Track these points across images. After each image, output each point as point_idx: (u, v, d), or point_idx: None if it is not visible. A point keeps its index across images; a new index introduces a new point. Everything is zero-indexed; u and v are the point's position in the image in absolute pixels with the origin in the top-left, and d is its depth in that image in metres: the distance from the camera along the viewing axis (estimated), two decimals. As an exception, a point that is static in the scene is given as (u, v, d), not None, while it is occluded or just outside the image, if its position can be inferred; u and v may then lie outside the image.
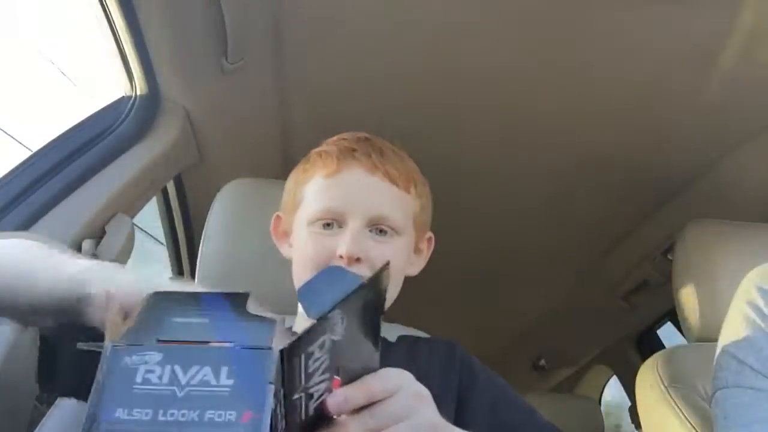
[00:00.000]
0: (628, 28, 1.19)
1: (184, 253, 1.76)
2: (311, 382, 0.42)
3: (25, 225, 1.02)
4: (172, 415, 0.34)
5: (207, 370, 0.35)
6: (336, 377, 0.46)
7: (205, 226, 1.13)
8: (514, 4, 1.16)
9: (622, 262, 2.13)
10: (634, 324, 2.42)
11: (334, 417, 0.47)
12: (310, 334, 0.40)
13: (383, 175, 0.88)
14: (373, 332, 0.49)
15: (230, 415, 0.34)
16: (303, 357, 0.40)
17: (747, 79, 1.32)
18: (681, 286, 1.32)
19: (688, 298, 1.29)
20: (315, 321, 0.40)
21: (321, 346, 0.41)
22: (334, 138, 0.95)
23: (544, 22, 1.20)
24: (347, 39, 1.29)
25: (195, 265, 1.13)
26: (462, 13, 1.19)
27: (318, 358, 0.41)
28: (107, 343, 0.37)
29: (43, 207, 1.05)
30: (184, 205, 1.65)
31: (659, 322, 2.41)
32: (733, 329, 0.98)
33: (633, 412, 2.48)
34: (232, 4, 1.11)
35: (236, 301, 0.41)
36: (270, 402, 0.35)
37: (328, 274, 0.47)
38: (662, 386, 1.22)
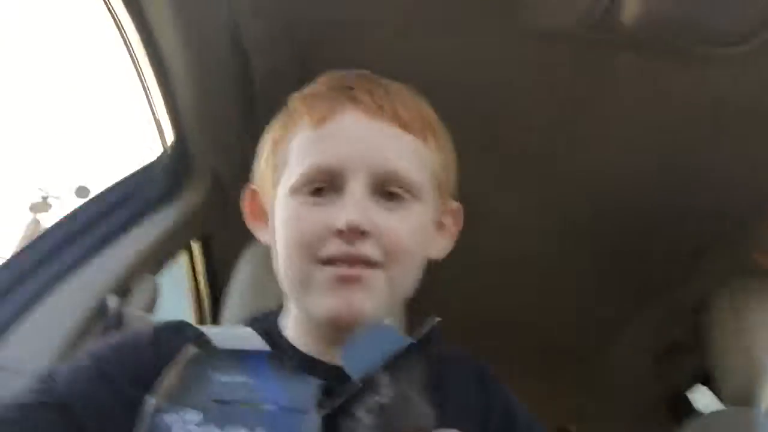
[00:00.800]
0: (648, 83, 1.19)
1: (207, 312, 1.76)
2: None
3: (56, 281, 1.04)
4: None
5: (245, 430, 0.35)
6: None
7: (230, 285, 1.14)
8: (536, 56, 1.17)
9: (653, 322, 2.08)
10: (665, 387, 2.35)
11: None
12: (354, 397, 0.38)
13: (391, 118, 0.66)
14: (424, 391, 0.47)
15: None
16: (348, 421, 0.38)
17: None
18: (716, 348, 1.29)
19: (725, 360, 1.25)
20: (359, 383, 0.39)
21: (369, 410, 0.40)
22: (323, 76, 0.72)
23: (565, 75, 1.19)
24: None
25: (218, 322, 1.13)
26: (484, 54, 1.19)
27: (366, 423, 0.40)
28: (149, 399, 0.36)
29: (73, 264, 1.07)
30: (209, 266, 1.65)
31: (691, 385, 2.34)
32: None
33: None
34: (262, 66, 1.14)
35: (278, 360, 0.40)
36: None
37: (370, 333, 0.44)
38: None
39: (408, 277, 0.68)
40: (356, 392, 0.38)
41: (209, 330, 0.72)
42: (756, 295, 1.27)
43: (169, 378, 0.38)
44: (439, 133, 0.72)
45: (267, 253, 1.16)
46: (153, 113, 1.23)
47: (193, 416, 0.35)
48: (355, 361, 0.41)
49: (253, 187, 0.75)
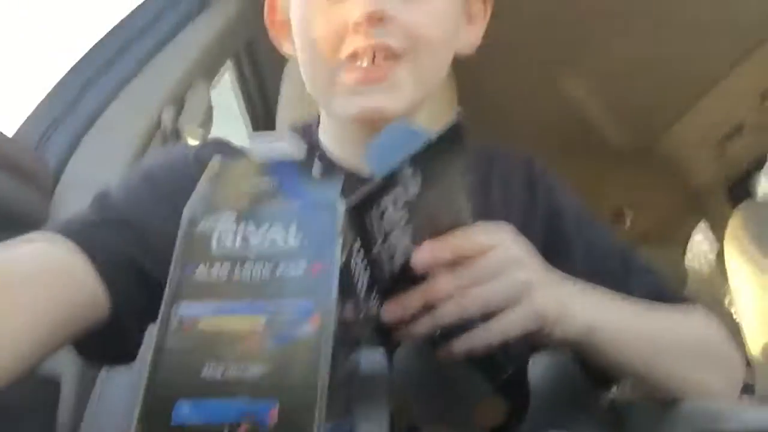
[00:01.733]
0: None
1: (261, 121, 1.78)
2: (391, 237, 0.43)
3: (110, 97, 1.05)
4: (247, 270, 0.36)
5: (278, 227, 0.37)
6: (423, 232, 0.46)
7: (280, 93, 1.13)
8: None
9: (719, 106, 2.00)
10: (725, 170, 2.31)
11: (428, 275, 0.47)
12: (378, 191, 0.40)
13: None
14: (458, 186, 0.48)
15: (301, 267, 0.35)
16: (374, 212, 0.40)
17: None
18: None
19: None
20: (381, 179, 0.40)
21: (394, 203, 0.41)
22: None
23: None
24: None
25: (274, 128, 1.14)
26: None
27: (393, 214, 0.42)
28: (185, 210, 0.38)
29: (122, 81, 1.08)
30: (258, 72, 1.64)
31: (752, 172, 2.31)
32: None
33: (720, 259, 2.45)
34: None
35: (303, 164, 0.41)
36: (338, 254, 0.36)
37: (393, 131, 0.45)
38: (750, 238, 1.19)
39: (435, 68, 0.66)
40: (377, 185, 0.40)
41: (250, 142, 0.74)
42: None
43: (200, 188, 0.40)
44: None
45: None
46: None
47: (227, 218, 0.37)
48: (377, 158, 0.42)
49: None
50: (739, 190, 2.36)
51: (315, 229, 0.37)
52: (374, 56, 0.60)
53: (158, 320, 0.35)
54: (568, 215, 0.72)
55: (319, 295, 0.35)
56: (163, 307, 0.35)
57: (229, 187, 0.40)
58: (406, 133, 0.44)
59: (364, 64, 0.60)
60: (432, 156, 0.43)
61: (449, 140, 0.45)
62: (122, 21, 1.14)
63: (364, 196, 0.39)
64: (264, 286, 0.35)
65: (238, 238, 0.37)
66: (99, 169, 0.95)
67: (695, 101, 2.05)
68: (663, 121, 2.25)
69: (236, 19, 1.29)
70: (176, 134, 1.08)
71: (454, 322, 0.48)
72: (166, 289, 0.36)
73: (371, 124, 0.61)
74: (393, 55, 0.61)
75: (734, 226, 1.26)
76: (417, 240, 0.46)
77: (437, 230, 0.47)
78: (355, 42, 0.60)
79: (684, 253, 2.90)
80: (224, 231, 0.37)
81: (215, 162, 0.42)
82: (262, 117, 1.77)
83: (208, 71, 1.26)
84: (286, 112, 1.11)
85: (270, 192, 0.39)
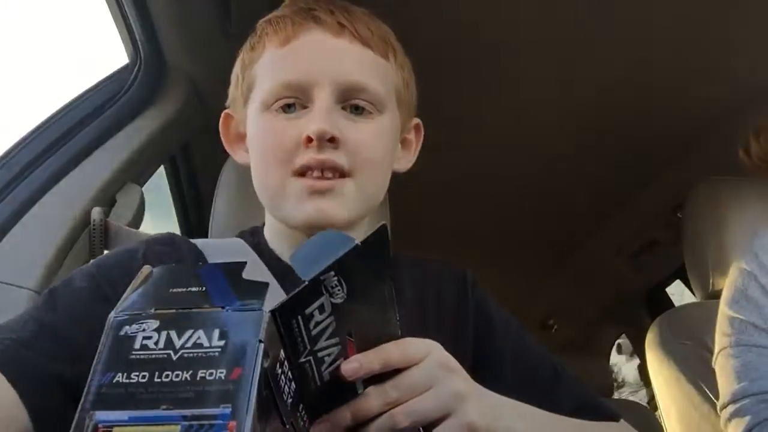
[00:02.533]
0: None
1: (194, 222, 1.76)
2: (318, 346, 0.43)
3: (35, 197, 1.03)
4: (167, 376, 0.35)
5: (200, 333, 0.37)
6: (351, 341, 0.46)
7: (215, 194, 1.13)
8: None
9: (632, 220, 2.13)
10: (643, 282, 2.42)
11: (358, 389, 0.47)
12: (303, 296, 0.40)
13: (352, 35, 0.69)
14: (383, 296, 0.49)
15: (221, 372, 0.35)
16: (300, 318, 0.40)
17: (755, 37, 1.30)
18: (691, 244, 1.32)
19: (698, 255, 1.29)
20: (306, 283, 0.41)
21: (321, 309, 0.42)
22: (287, 1, 0.75)
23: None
24: None
25: (205, 232, 1.13)
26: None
27: (320, 322, 0.42)
28: (111, 315, 0.38)
29: (52, 177, 1.06)
30: (191, 174, 1.64)
31: (668, 281, 2.42)
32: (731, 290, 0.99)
33: (642, 370, 2.51)
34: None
35: (232, 269, 0.42)
36: (259, 358, 0.36)
37: (321, 238, 0.46)
38: (671, 344, 1.23)
39: (376, 185, 0.73)
40: (302, 290, 0.41)
41: (201, 242, 0.74)
42: (730, 193, 1.29)
43: (128, 294, 0.40)
44: (399, 53, 0.75)
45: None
46: (124, 17, 1.18)
47: (152, 324, 0.37)
48: (303, 262, 0.43)
49: (228, 111, 0.79)
50: (657, 300, 2.46)
51: (238, 334, 0.37)
52: (323, 171, 0.66)
53: (72, 427, 0.34)
54: (498, 326, 0.75)
55: (237, 400, 0.34)
56: (78, 414, 0.34)
57: (157, 294, 0.40)
58: (331, 240, 0.45)
59: (314, 176, 0.66)
60: (357, 264, 0.44)
61: (374, 249, 0.46)
62: (56, 115, 1.13)
63: (288, 301, 0.39)
64: (183, 392, 0.35)
65: (161, 344, 0.36)
66: (21, 264, 0.92)
67: (610, 215, 2.18)
68: (579, 236, 2.38)
69: (173, 123, 1.30)
70: (105, 233, 1.05)
71: None
72: (83, 396, 0.35)
73: (319, 231, 0.64)
74: (340, 172, 0.67)
75: (653, 336, 1.30)
76: (343, 351, 0.46)
77: (366, 341, 0.47)
78: (307, 156, 0.66)
79: (608, 361, 2.97)
80: (147, 337, 0.37)
81: (146, 269, 0.43)
82: (195, 218, 1.75)
83: (140, 173, 1.25)
84: (220, 216, 1.11)
85: (198, 298, 0.39)
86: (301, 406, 0.44)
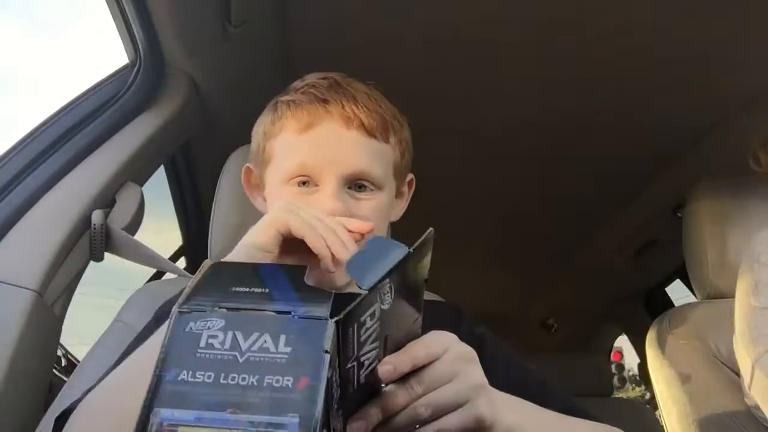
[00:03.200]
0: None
1: (193, 221, 1.76)
2: (363, 351, 0.43)
3: (35, 197, 1.03)
4: (233, 379, 0.35)
5: (266, 337, 0.37)
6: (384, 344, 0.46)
7: (216, 192, 1.13)
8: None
9: (632, 220, 2.13)
10: (643, 282, 2.42)
11: (383, 387, 0.48)
12: (362, 304, 0.40)
13: (359, 127, 0.81)
14: (416, 299, 0.50)
15: (288, 380, 0.35)
16: (356, 326, 0.40)
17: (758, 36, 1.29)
18: (691, 244, 1.32)
19: (699, 255, 1.29)
20: (366, 291, 0.41)
21: (372, 316, 0.42)
22: (303, 83, 0.87)
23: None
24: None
25: (205, 230, 1.13)
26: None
27: (369, 327, 0.42)
28: (174, 309, 0.38)
29: (52, 178, 1.06)
30: (192, 174, 1.64)
31: (668, 280, 2.42)
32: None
33: (642, 368, 2.51)
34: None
35: (293, 272, 0.42)
36: (326, 370, 0.36)
37: (374, 245, 0.46)
38: (672, 343, 1.23)
39: None
40: (363, 299, 0.40)
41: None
42: (730, 192, 1.29)
43: (191, 288, 0.40)
44: (397, 130, 0.87)
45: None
46: (124, 17, 1.17)
47: (217, 322, 0.37)
48: (361, 271, 0.42)
49: (249, 166, 0.91)
50: (657, 299, 2.47)
51: (305, 342, 0.37)
52: None
53: (135, 425, 0.34)
54: (489, 344, 0.82)
55: (305, 410, 0.34)
56: (141, 410, 0.34)
57: (221, 290, 0.39)
58: (384, 247, 0.45)
59: None
60: (406, 270, 0.45)
61: (421, 254, 0.47)
62: (56, 116, 1.13)
63: (350, 311, 0.39)
64: (250, 397, 0.35)
65: (227, 344, 0.36)
66: (21, 263, 0.92)
67: (610, 215, 2.18)
68: (579, 236, 2.38)
69: (173, 123, 1.30)
70: (105, 235, 1.05)
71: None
72: (147, 392, 0.35)
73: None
74: None
75: (654, 336, 1.30)
76: (379, 353, 0.46)
77: (395, 342, 0.48)
78: None
79: (607, 360, 2.97)
80: (213, 335, 0.36)
81: (207, 262, 0.42)
82: (195, 217, 1.75)
83: (140, 173, 1.25)
84: (221, 214, 1.11)
85: (262, 299, 0.39)
86: (341, 410, 0.44)
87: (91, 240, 1.04)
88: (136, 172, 1.21)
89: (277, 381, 0.35)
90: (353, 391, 0.44)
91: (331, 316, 0.38)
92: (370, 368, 0.45)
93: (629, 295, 2.54)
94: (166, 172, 1.64)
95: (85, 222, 1.06)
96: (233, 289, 0.39)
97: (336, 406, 0.41)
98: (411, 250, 0.44)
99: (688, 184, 1.41)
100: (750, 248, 1.06)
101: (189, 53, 1.29)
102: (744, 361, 0.99)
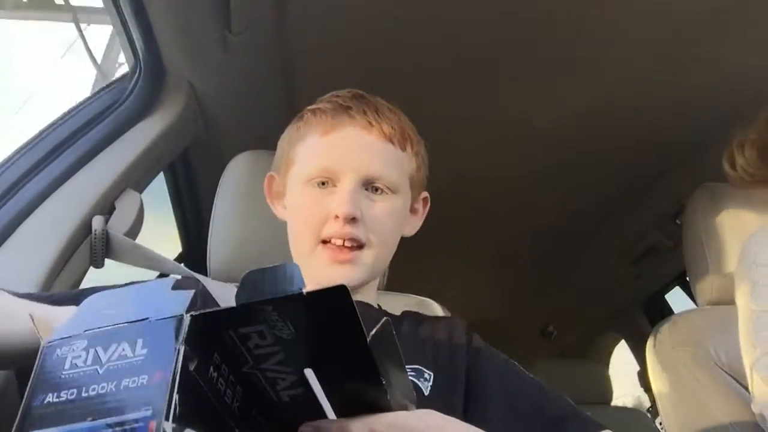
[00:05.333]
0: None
1: (192, 228, 1.76)
2: (264, 366, 0.43)
3: (35, 203, 1.03)
4: (93, 390, 0.37)
5: (125, 344, 0.39)
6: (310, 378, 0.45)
7: (215, 199, 1.13)
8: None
9: (631, 227, 2.13)
10: (642, 289, 2.42)
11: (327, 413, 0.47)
12: (233, 315, 0.41)
13: (379, 133, 0.85)
14: (362, 362, 0.46)
15: (143, 378, 0.37)
16: (234, 334, 0.41)
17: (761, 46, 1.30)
18: (691, 251, 1.32)
19: (699, 262, 1.29)
20: (236, 306, 0.41)
21: (261, 335, 0.42)
22: (329, 95, 0.92)
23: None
24: (350, 5, 1.28)
25: (205, 236, 1.13)
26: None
27: (262, 346, 0.42)
28: (42, 344, 0.40)
29: (52, 185, 1.06)
30: (191, 181, 1.64)
31: (668, 287, 2.42)
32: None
33: (642, 376, 2.50)
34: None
35: (159, 285, 0.43)
36: (179, 360, 0.37)
37: (281, 269, 0.44)
38: (671, 350, 1.23)
39: (387, 252, 0.89)
40: (234, 309, 0.41)
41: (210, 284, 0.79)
42: (729, 199, 1.29)
43: (63, 322, 0.42)
44: (415, 143, 0.91)
45: (252, 164, 1.16)
46: (124, 26, 1.18)
47: (80, 344, 0.39)
48: (250, 286, 0.42)
49: (272, 173, 0.95)
50: (656, 306, 2.46)
51: (161, 341, 0.38)
52: (344, 241, 0.82)
53: None
54: (484, 357, 0.85)
55: (157, 401, 0.36)
56: None
57: (89, 317, 0.42)
58: (288, 276, 0.44)
59: (337, 244, 0.82)
60: (305, 313, 0.43)
61: (329, 311, 0.44)
62: (57, 123, 1.13)
63: (213, 313, 0.41)
64: (108, 402, 0.36)
65: (89, 361, 0.38)
66: (21, 270, 0.92)
67: (609, 222, 2.18)
68: (579, 243, 2.38)
69: (172, 130, 1.30)
70: (106, 240, 1.05)
71: None
72: (16, 422, 0.37)
73: None
74: (359, 244, 0.83)
75: (653, 343, 1.30)
76: (300, 382, 0.45)
77: (346, 396, 0.47)
78: (333, 228, 0.82)
79: (607, 367, 2.97)
80: (76, 356, 0.39)
81: (89, 296, 0.45)
82: (194, 224, 1.75)
83: (140, 180, 1.25)
84: (220, 222, 1.11)
85: (125, 314, 0.41)
86: (255, 411, 0.45)
87: (92, 246, 1.04)
88: (135, 178, 1.21)
89: (134, 381, 0.37)
90: (279, 404, 0.45)
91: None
92: (292, 390, 0.45)
93: (629, 303, 2.53)
94: (165, 178, 1.64)
95: (85, 228, 1.06)
96: (102, 312, 0.41)
97: (238, 405, 0.43)
98: (304, 293, 0.42)
99: (687, 191, 1.41)
100: (745, 250, 1.06)
101: (189, 61, 1.30)
102: (745, 364, 0.99)
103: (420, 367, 0.78)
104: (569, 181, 1.95)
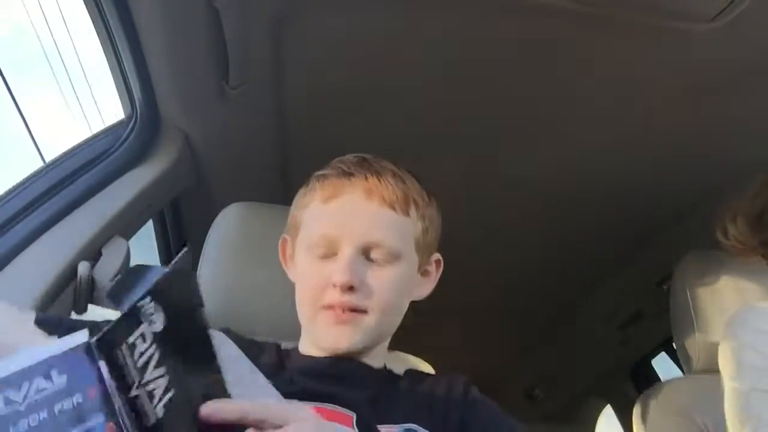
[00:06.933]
0: (627, 59, 1.20)
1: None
2: (146, 377, 0.43)
3: (22, 246, 1.01)
4: (23, 425, 0.37)
5: (38, 380, 0.39)
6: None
7: (203, 250, 1.12)
8: (517, 32, 1.17)
9: (617, 292, 2.13)
10: (628, 354, 2.41)
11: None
12: (123, 324, 0.42)
13: (379, 200, 0.86)
14: (204, 351, 0.49)
15: (77, 397, 0.38)
16: (125, 349, 0.41)
17: (745, 112, 1.33)
18: (678, 318, 1.32)
19: (685, 329, 1.29)
20: (125, 312, 0.42)
21: (143, 338, 0.43)
22: (335, 161, 0.93)
23: (546, 52, 1.20)
24: (347, 60, 1.30)
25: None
26: (466, 32, 1.19)
27: (144, 351, 0.43)
28: None
29: (40, 228, 1.05)
30: (179, 229, 1.64)
31: (654, 353, 2.41)
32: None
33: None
34: (233, 28, 1.12)
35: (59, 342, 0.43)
36: (107, 375, 0.39)
37: (134, 270, 0.49)
38: (659, 419, 1.21)
39: (390, 319, 0.89)
40: (122, 318, 0.42)
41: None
42: (717, 266, 1.30)
43: None
44: (421, 206, 0.90)
45: (242, 216, 1.16)
46: (122, 73, 1.19)
47: None
48: (120, 295, 0.46)
49: (285, 236, 0.96)
50: (642, 373, 2.44)
51: (76, 366, 0.39)
52: (344, 309, 0.83)
53: None
54: (481, 409, 0.86)
55: (106, 408, 0.38)
56: None
57: (6, 372, 0.41)
58: (144, 271, 0.47)
59: (337, 313, 0.83)
60: (171, 292, 0.46)
61: (184, 280, 0.48)
62: (49, 167, 1.13)
63: (108, 330, 0.41)
64: (47, 426, 0.37)
65: (2, 405, 0.39)
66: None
67: (594, 288, 2.18)
68: (564, 308, 2.38)
69: (164, 178, 1.30)
70: (91, 286, 1.04)
71: None
72: None
73: (342, 354, 0.85)
74: (359, 310, 0.83)
75: (640, 411, 1.28)
76: (173, 383, 0.45)
77: (197, 390, 0.48)
78: (333, 296, 0.83)
79: (592, 433, 2.92)
80: None
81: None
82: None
83: (128, 227, 1.25)
84: (208, 272, 1.10)
85: (21, 362, 0.41)
86: None
87: (76, 292, 1.03)
88: (124, 226, 1.21)
89: (67, 403, 0.38)
90: (158, 424, 0.44)
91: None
92: (166, 399, 0.44)
93: (615, 368, 2.51)
94: (153, 227, 1.63)
95: (70, 273, 1.04)
96: (12, 368, 0.41)
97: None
98: (169, 270, 0.46)
99: (674, 257, 1.42)
100: (729, 329, 1.07)
101: (185, 111, 1.31)
102: None
103: (414, 426, 0.79)
104: (556, 244, 1.96)
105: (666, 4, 1.03)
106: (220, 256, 1.11)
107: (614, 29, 1.12)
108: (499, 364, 2.95)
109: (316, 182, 0.91)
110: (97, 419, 0.37)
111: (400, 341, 1.13)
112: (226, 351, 0.68)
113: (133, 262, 1.21)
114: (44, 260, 1.03)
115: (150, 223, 1.55)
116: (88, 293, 1.04)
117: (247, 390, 0.55)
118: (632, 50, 1.17)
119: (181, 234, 1.64)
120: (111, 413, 0.38)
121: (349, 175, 0.88)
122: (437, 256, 0.97)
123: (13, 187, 1.08)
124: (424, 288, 0.95)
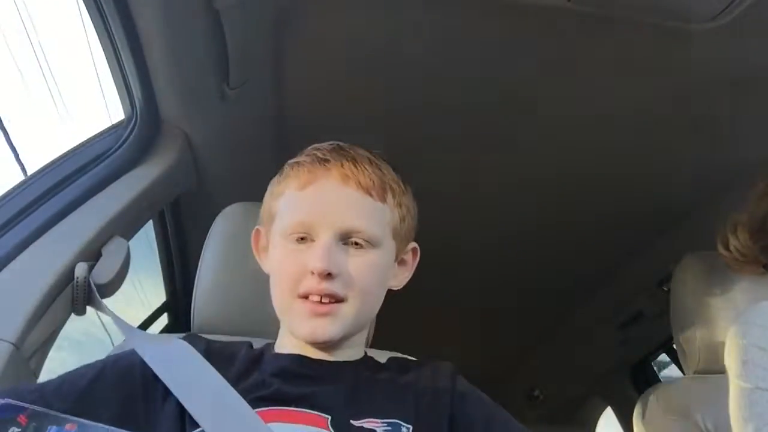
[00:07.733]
0: (627, 59, 1.20)
1: (178, 278, 1.74)
2: None
3: (22, 246, 1.01)
4: None
5: None
6: None
7: (203, 250, 1.12)
8: (517, 32, 1.17)
9: (617, 292, 2.13)
10: (628, 355, 2.41)
11: None
12: None
13: (356, 185, 0.84)
14: None
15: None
16: None
17: (744, 112, 1.33)
18: (679, 319, 1.32)
19: (686, 330, 1.28)
20: None
21: None
22: (309, 148, 0.90)
23: (546, 52, 1.20)
24: (346, 59, 1.30)
25: (190, 287, 1.12)
26: (466, 32, 1.19)
27: None
28: None
29: (40, 228, 1.05)
30: (180, 229, 1.64)
31: (654, 354, 2.41)
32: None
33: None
34: (234, 29, 1.12)
35: None
36: None
37: None
38: (659, 419, 1.21)
39: (369, 306, 0.87)
40: None
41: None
42: (717, 267, 1.29)
43: None
44: (398, 193, 0.88)
45: (243, 216, 1.15)
46: (122, 74, 1.19)
47: None
48: None
49: (259, 228, 0.93)
50: (642, 373, 2.44)
51: None
52: (321, 297, 0.80)
53: None
54: (469, 401, 0.84)
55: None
56: None
57: None
58: None
59: (314, 303, 0.80)
60: None
61: None
62: (49, 167, 1.13)
63: None
64: None
65: None
66: (1, 315, 0.90)
67: (594, 289, 2.18)
68: (564, 308, 2.38)
69: (164, 179, 1.30)
70: (88, 288, 1.04)
71: None
72: None
73: (319, 345, 0.83)
74: (336, 298, 0.81)
75: (641, 411, 1.28)
76: None
77: None
78: (310, 284, 0.80)
79: (592, 433, 2.92)
80: None
81: None
82: (179, 272, 1.73)
83: (128, 227, 1.24)
84: (208, 271, 1.10)
85: None
86: None
87: (74, 293, 1.03)
88: (124, 226, 1.21)
89: None
90: None
91: None
92: None
93: (615, 368, 2.51)
94: (153, 227, 1.63)
95: (69, 274, 1.04)
96: None
97: None
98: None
99: (674, 258, 1.41)
100: (736, 326, 1.06)
101: (185, 112, 1.31)
102: None
103: (397, 421, 0.77)
104: (556, 246, 1.96)
105: (666, 3, 1.03)
106: (220, 256, 1.11)
107: (614, 29, 1.12)
108: (500, 365, 2.95)
109: (290, 170, 0.89)
110: None
111: (400, 341, 1.13)
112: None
113: (133, 262, 1.21)
114: (44, 261, 1.03)
115: (150, 223, 1.55)
116: (86, 295, 1.04)
117: None
118: (632, 50, 1.17)
119: (181, 234, 1.64)
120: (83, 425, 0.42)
121: (324, 161, 0.85)
122: (414, 244, 0.94)
123: (14, 187, 1.08)
124: (401, 277, 0.93)
